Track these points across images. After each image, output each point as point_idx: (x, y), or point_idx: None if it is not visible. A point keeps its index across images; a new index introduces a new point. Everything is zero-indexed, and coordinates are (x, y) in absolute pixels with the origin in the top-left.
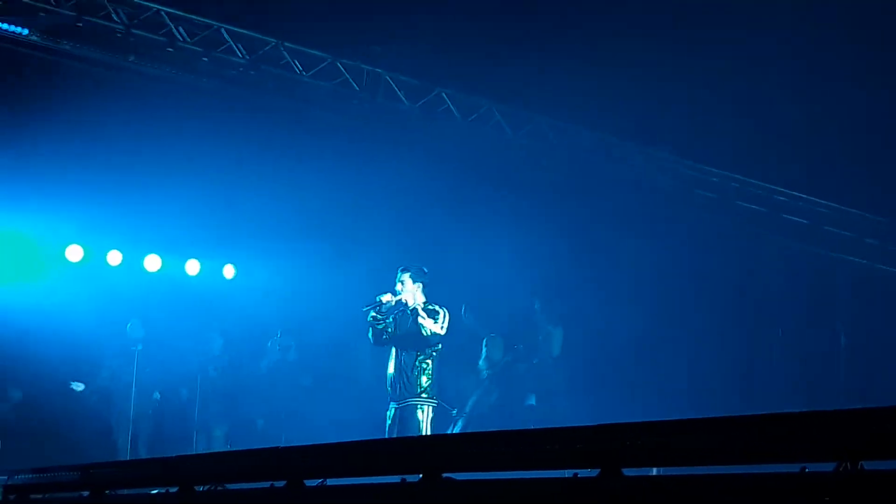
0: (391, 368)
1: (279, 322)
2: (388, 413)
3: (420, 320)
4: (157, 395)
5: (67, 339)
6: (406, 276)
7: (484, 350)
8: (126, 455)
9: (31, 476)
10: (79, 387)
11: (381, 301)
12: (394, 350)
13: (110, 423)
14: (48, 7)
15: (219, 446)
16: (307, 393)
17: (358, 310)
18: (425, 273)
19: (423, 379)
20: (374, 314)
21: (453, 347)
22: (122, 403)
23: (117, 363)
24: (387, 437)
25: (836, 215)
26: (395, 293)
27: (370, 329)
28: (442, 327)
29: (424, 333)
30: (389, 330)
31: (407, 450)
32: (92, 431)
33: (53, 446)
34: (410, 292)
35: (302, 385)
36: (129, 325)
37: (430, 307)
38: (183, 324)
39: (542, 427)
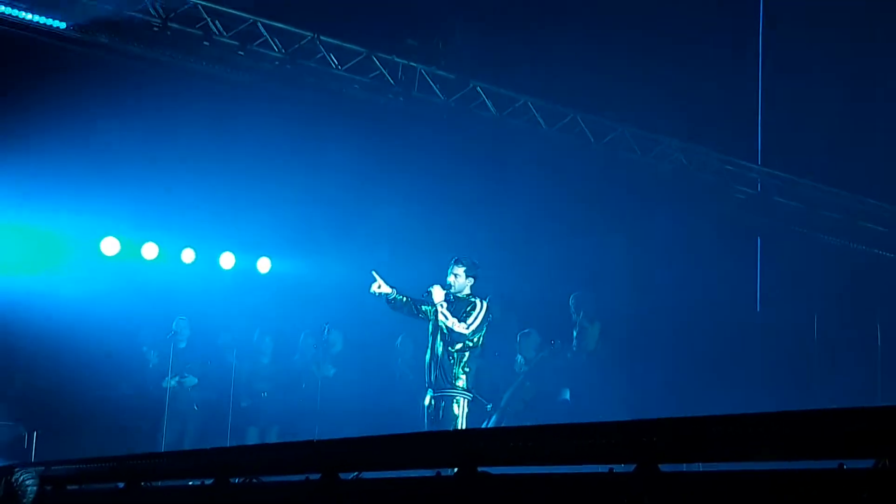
0: (428, 356)
1: (314, 316)
2: (426, 400)
3: (441, 318)
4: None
5: (107, 333)
6: (460, 269)
7: (518, 346)
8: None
9: (67, 467)
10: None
11: (430, 292)
12: (430, 338)
13: (153, 419)
14: (86, 2)
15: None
16: (343, 385)
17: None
18: (477, 266)
19: (458, 370)
20: (423, 297)
21: (488, 341)
22: (164, 399)
23: (161, 358)
24: (425, 422)
25: (873, 210)
26: (445, 284)
27: (413, 305)
28: (469, 326)
29: (446, 329)
30: (440, 321)
31: (442, 443)
32: (132, 426)
33: (93, 440)
34: (461, 285)
35: (338, 377)
36: (175, 322)
37: (472, 299)
38: (221, 318)
39: (577, 422)
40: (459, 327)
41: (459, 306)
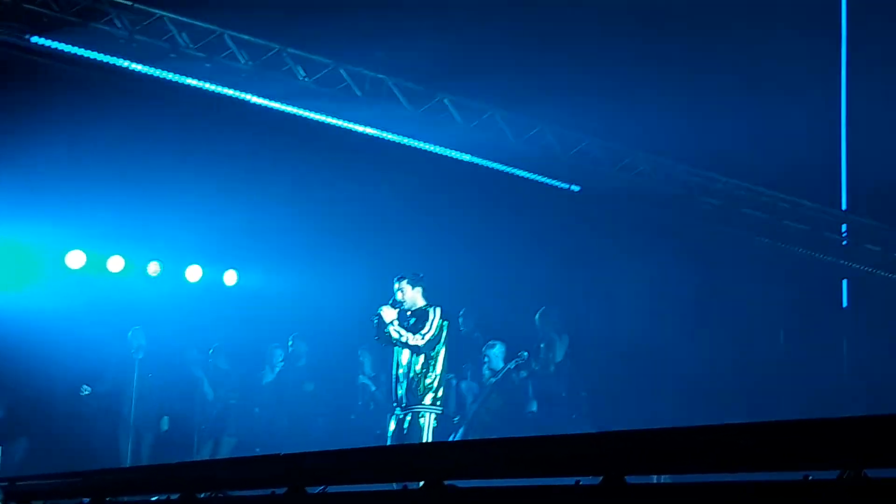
0: (394, 374)
1: (282, 329)
2: (391, 419)
3: (394, 335)
4: (164, 422)
5: (69, 346)
6: (404, 283)
7: (485, 358)
8: (128, 463)
9: (31, 482)
10: (86, 390)
11: (380, 314)
12: (396, 356)
13: (113, 431)
14: (51, 13)
15: (223, 454)
16: (311, 399)
17: (359, 314)
18: (421, 277)
19: (425, 385)
20: (375, 322)
21: (455, 353)
22: (124, 410)
23: (119, 370)
24: (390, 442)
25: (836, 221)
26: (395, 302)
27: (376, 336)
28: (424, 336)
29: (401, 346)
30: (394, 338)
31: (409, 457)
32: (94, 438)
33: (56, 453)
34: (411, 298)
35: (305, 391)
36: (130, 332)
37: (424, 308)
38: (184, 330)
39: (544, 434)
40: (414, 340)
41: (417, 319)
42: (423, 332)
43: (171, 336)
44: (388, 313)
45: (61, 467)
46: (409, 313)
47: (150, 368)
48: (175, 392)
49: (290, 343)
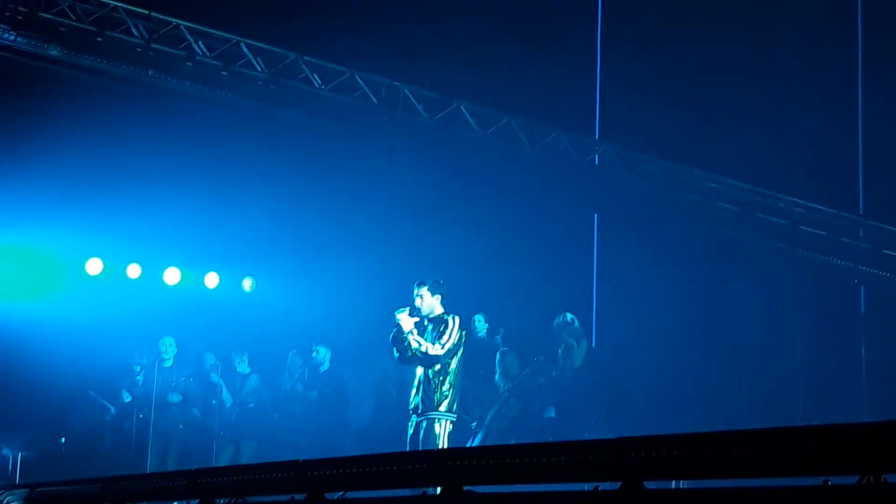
0: (414, 381)
1: (302, 335)
2: (409, 425)
3: (414, 344)
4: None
5: (92, 353)
6: (424, 290)
7: (498, 366)
8: (149, 469)
9: (52, 489)
10: (127, 397)
11: (398, 319)
12: (413, 364)
13: (139, 438)
14: (68, 22)
15: (244, 459)
16: (316, 405)
17: (380, 320)
18: (441, 284)
19: (442, 392)
20: (394, 332)
21: (471, 358)
22: (149, 417)
23: (146, 377)
24: (408, 449)
25: (854, 226)
26: (413, 308)
27: (394, 350)
28: (444, 346)
29: (419, 354)
30: (413, 347)
31: (427, 463)
32: (119, 446)
33: (80, 460)
34: (430, 304)
35: (326, 395)
36: (160, 341)
37: (444, 317)
38: (205, 338)
39: (562, 440)
40: (434, 349)
41: (435, 327)
42: (442, 341)
43: (188, 342)
44: (407, 322)
45: (81, 473)
46: (426, 321)
47: (172, 375)
48: (194, 398)
49: (313, 350)
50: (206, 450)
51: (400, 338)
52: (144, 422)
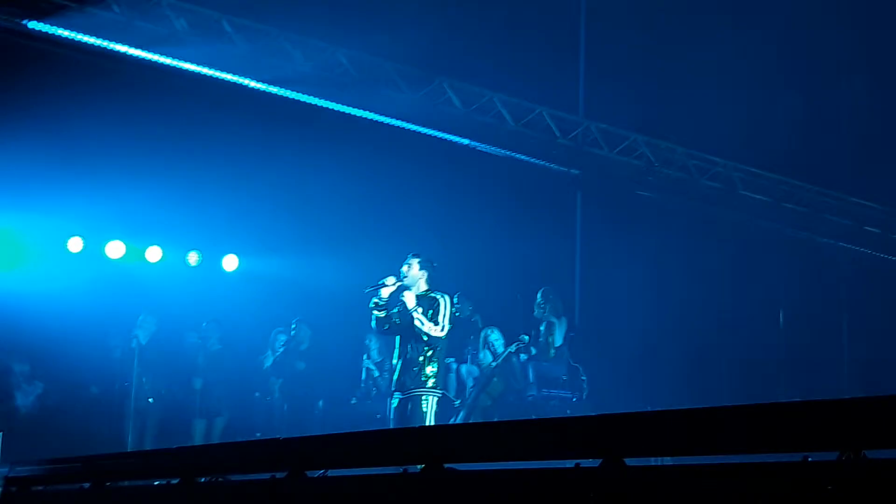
0: (396, 358)
1: (285, 314)
2: (392, 403)
3: (417, 324)
4: (150, 400)
5: (72, 332)
6: (415, 261)
7: (482, 343)
8: (129, 447)
9: (32, 467)
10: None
11: (383, 284)
12: (398, 340)
13: (116, 416)
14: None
15: (216, 434)
16: (305, 378)
17: (361, 299)
18: (434, 266)
19: (428, 370)
20: (375, 300)
21: (455, 337)
22: (127, 396)
23: (123, 356)
24: (391, 424)
25: (837, 203)
26: (400, 274)
27: (373, 316)
28: (442, 328)
29: (423, 335)
30: (395, 321)
31: (409, 440)
32: (98, 424)
33: (58, 439)
34: (414, 277)
35: (298, 371)
36: (140, 318)
37: (430, 295)
38: (185, 315)
39: (544, 417)
40: (435, 331)
41: (423, 305)
42: (440, 321)
43: (170, 321)
44: (410, 299)
45: (62, 453)
46: (417, 311)
47: (152, 353)
48: (173, 376)
49: (292, 327)
50: (184, 430)
51: (378, 306)
52: (124, 395)
